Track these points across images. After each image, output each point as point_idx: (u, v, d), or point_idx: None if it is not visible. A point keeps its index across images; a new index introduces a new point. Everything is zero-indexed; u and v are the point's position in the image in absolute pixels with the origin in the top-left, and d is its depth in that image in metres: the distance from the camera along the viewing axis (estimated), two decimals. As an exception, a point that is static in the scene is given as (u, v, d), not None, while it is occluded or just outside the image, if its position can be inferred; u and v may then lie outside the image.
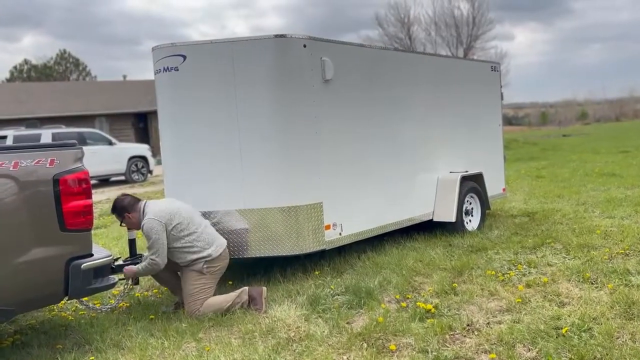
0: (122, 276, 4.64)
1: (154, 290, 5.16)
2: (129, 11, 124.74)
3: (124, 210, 4.41)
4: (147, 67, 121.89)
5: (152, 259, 4.26)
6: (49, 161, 3.44)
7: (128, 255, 4.90)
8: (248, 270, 5.56)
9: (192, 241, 4.35)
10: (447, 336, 3.66)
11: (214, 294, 4.48)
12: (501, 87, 8.07)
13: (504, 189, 8.01)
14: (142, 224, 4.29)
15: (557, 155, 19.71)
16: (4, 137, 14.52)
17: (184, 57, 4.93)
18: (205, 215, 4.91)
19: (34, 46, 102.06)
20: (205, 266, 4.36)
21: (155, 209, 4.33)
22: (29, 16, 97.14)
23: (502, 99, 8.07)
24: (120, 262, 4.75)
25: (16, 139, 14.46)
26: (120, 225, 4.59)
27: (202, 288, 4.36)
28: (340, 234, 5.28)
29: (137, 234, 4.69)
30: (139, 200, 4.48)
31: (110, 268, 3.91)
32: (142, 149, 18.05)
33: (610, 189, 9.87)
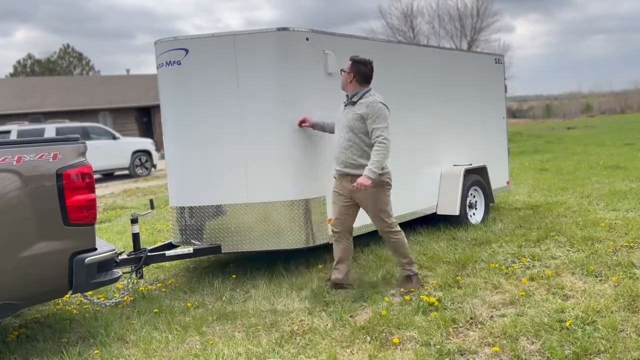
0: (126, 270, 4.67)
1: (158, 284, 5.18)
2: (119, 5, 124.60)
3: (362, 63, 4.45)
4: (143, 61, 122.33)
5: (387, 138, 4.28)
6: (52, 156, 3.44)
7: (132, 249, 4.93)
8: (251, 263, 5.57)
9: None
10: (451, 329, 3.66)
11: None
12: (505, 79, 8.03)
13: (507, 182, 7.99)
14: (378, 99, 4.36)
15: (562, 148, 19.64)
16: (8, 132, 14.58)
17: (187, 50, 4.92)
18: (209, 209, 4.92)
19: (25, 41, 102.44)
20: (387, 178, 4.45)
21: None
22: (18, 10, 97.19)
23: (505, 91, 8.03)
24: (124, 256, 4.77)
25: (20, 133, 14.51)
26: (340, 72, 4.58)
27: (389, 201, 4.49)
28: (343, 227, 5.26)
29: (141, 228, 4.70)
30: (369, 83, 4.52)
31: (114, 262, 3.92)
32: (146, 144, 18.08)
33: (615, 181, 9.83)
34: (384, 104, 4.39)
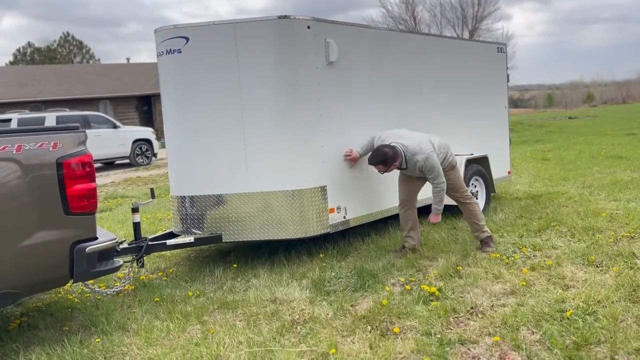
0: (127, 259, 4.67)
1: (159, 273, 5.18)
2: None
3: (392, 160, 4.88)
4: (137, 49, 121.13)
5: (442, 184, 4.93)
6: (52, 144, 3.43)
7: (133, 238, 4.93)
8: (253, 253, 5.58)
9: (440, 147, 5.09)
10: (451, 319, 3.67)
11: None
12: (507, 68, 7.98)
13: (509, 172, 7.97)
14: (423, 159, 4.86)
15: (563, 137, 19.60)
16: (8, 121, 14.54)
17: (187, 39, 4.88)
18: (210, 198, 4.91)
19: (13, 29, 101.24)
20: (454, 162, 5.23)
21: (420, 146, 4.92)
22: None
23: (508, 80, 7.99)
24: (125, 245, 4.78)
25: (20, 122, 14.49)
26: (383, 172, 5.03)
27: (460, 176, 5.40)
28: (344, 217, 5.27)
29: (142, 217, 4.70)
30: (393, 146, 4.93)
31: (114, 251, 3.91)
32: (146, 132, 18.04)
33: (616, 171, 9.81)
34: (427, 157, 4.87)
